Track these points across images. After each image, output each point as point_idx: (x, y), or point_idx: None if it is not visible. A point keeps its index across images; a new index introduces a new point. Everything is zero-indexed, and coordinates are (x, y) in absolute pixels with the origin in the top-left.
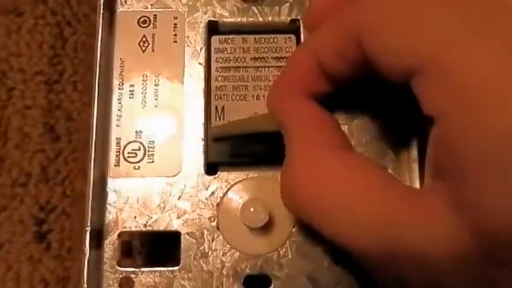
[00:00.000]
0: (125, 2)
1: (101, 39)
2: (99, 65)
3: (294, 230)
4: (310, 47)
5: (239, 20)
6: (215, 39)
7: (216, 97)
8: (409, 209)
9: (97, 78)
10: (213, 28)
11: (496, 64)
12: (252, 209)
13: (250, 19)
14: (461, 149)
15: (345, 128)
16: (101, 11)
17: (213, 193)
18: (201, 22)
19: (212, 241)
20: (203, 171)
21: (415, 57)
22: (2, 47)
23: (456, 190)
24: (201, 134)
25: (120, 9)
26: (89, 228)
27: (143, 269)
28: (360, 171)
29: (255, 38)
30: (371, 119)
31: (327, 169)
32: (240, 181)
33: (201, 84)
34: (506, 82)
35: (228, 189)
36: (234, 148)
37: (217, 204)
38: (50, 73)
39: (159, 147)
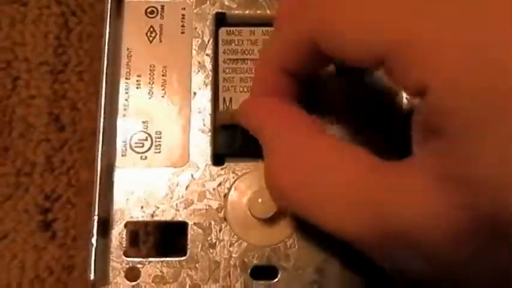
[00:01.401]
0: None
1: (109, 29)
2: (107, 55)
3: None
4: (269, 56)
5: (247, 12)
6: (223, 31)
7: (224, 88)
8: (395, 188)
9: (105, 69)
10: (221, 20)
11: (461, 27)
12: (259, 200)
13: (258, 11)
14: (447, 118)
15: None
16: (109, 0)
17: (220, 184)
18: (208, 13)
19: (219, 231)
20: (210, 162)
21: (375, 46)
22: (7, 37)
23: (443, 164)
24: (208, 125)
25: None
26: (96, 218)
27: (150, 259)
28: (340, 156)
29: (262, 31)
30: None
31: (308, 157)
32: (247, 172)
33: (209, 75)
34: (482, 43)
35: (236, 179)
36: (241, 138)
37: (225, 195)
38: (55, 63)
39: (166, 138)
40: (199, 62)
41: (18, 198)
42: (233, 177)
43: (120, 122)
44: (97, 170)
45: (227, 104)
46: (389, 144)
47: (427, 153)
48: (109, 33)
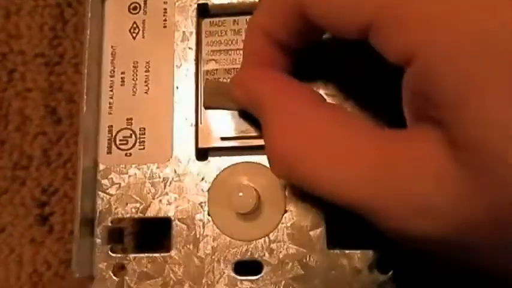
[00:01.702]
0: None
1: (90, 28)
2: (89, 54)
3: (285, 215)
4: (258, 23)
5: (229, 1)
6: (206, 22)
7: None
8: (406, 159)
9: (86, 68)
10: (204, 11)
11: None
12: (240, 194)
13: (241, 0)
14: (438, 84)
15: None
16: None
17: (203, 179)
18: (190, 6)
19: (203, 227)
20: (194, 157)
21: (363, 11)
22: (2, 29)
23: (448, 131)
24: (192, 119)
25: None
26: (79, 216)
27: (135, 255)
28: (344, 124)
29: (246, 20)
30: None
31: (313, 126)
32: (230, 166)
33: (192, 69)
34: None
35: (218, 174)
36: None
37: (208, 190)
38: (51, 55)
39: (150, 134)
40: (182, 56)
41: (14, 192)
42: (216, 172)
43: (105, 120)
44: (80, 169)
45: None
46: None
47: (428, 127)
48: (91, 31)
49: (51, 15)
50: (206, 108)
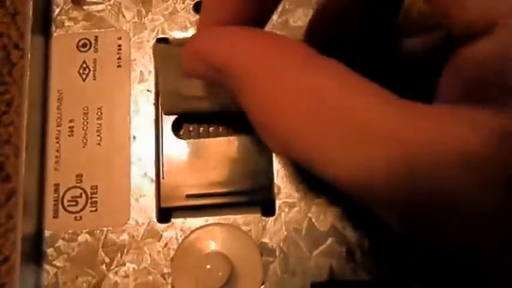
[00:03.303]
0: (62, 24)
1: (31, 69)
2: (30, 100)
3: (262, 286)
4: None
5: (191, 34)
6: None
7: None
8: (429, 131)
9: (25, 116)
10: None
11: None
12: (208, 267)
13: None
14: None
15: None
16: (29, 37)
17: (166, 245)
18: (148, 41)
19: None
20: (155, 219)
21: None
22: None
23: (504, 122)
24: (152, 175)
25: (56, 32)
26: None
27: None
28: (352, 86)
29: None
30: None
31: (311, 94)
32: (197, 229)
33: (151, 114)
34: None
35: (183, 239)
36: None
37: (172, 259)
38: None
39: (103, 193)
40: (139, 100)
41: None
42: (181, 236)
43: (51, 177)
44: (18, 238)
45: None
46: None
47: (477, 107)
48: (31, 75)
49: None
50: (166, 110)
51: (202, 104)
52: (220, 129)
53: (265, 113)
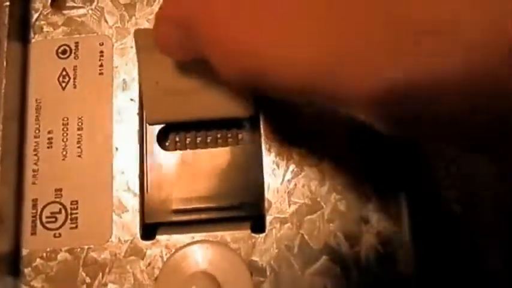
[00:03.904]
0: (41, 29)
1: (7, 77)
2: (6, 110)
3: None
4: None
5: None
6: None
7: None
8: None
9: (0, 130)
10: None
11: None
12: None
13: None
14: None
15: (313, 170)
16: (5, 43)
17: (150, 264)
18: (132, 47)
19: None
20: (138, 236)
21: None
22: None
23: None
24: (136, 189)
25: (35, 38)
26: None
27: None
28: None
29: None
30: (347, 159)
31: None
32: (183, 247)
33: (135, 124)
34: None
35: (169, 258)
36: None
37: (156, 279)
38: None
39: (83, 209)
40: (122, 109)
41: None
42: (166, 254)
43: (28, 192)
44: None
45: None
46: None
47: None
48: (7, 83)
49: None
50: (149, 118)
51: (185, 107)
52: (208, 140)
53: (217, 35)
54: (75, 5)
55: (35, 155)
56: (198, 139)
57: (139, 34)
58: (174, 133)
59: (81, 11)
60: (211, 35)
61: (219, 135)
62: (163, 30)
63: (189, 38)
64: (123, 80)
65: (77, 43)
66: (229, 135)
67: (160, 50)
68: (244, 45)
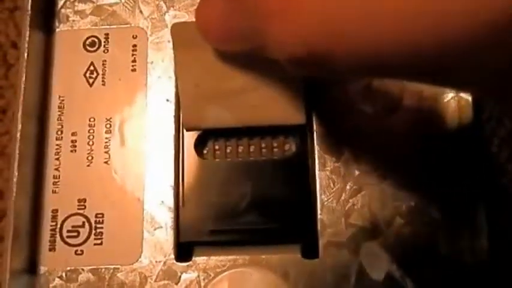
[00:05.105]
0: (66, 18)
1: (27, 72)
2: (25, 107)
3: None
4: None
5: None
6: None
7: None
8: None
9: (19, 127)
10: None
11: None
12: None
13: None
14: None
15: (374, 189)
16: (27, 33)
17: None
18: (169, 41)
19: None
20: (173, 257)
21: None
22: None
23: None
24: (170, 202)
25: (60, 28)
26: None
27: None
28: None
29: None
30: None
31: None
32: (222, 272)
33: (171, 129)
34: None
35: (206, 284)
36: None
37: None
38: None
39: (110, 223)
40: (157, 111)
41: None
42: (204, 279)
43: (48, 202)
44: (5, 275)
45: None
46: None
47: None
48: (27, 78)
49: None
50: (187, 122)
51: (228, 112)
52: (252, 149)
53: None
54: None
55: (57, 159)
56: (240, 148)
57: (177, 29)
58: (212, 140)
59: None
60: (272, 3)
61: (263, 145)
62: (207, 2)
63: (238, 10)
64: (158, 77)
65: (107, 35)
66: (275, 144)
67: (199, 29)
68: (315, 15)
